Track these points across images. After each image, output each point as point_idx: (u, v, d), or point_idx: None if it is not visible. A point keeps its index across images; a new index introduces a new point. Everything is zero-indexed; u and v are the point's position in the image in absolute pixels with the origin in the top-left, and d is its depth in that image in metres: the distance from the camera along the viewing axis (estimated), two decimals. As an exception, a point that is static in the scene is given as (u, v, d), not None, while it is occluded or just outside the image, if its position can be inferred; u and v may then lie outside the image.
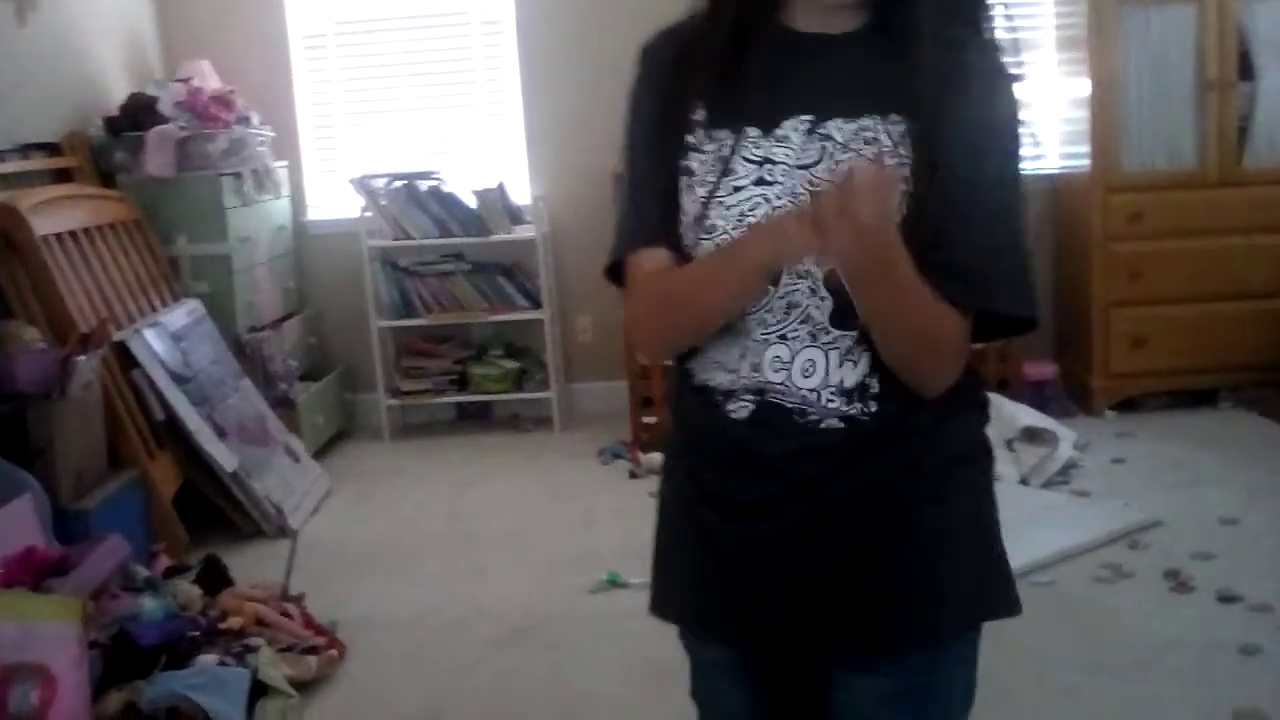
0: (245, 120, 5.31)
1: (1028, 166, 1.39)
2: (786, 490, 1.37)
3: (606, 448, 5.22)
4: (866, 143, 1.32)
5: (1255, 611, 3.37)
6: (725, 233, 1.35)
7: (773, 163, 1.35)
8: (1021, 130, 1.38)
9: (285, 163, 5.65)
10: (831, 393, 1.35)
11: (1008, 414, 4.63)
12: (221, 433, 4.43)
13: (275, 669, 3.14)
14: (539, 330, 5.64)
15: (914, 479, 1.38)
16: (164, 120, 4.97)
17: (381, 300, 5.58)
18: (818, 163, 1.34)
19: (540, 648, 3.47)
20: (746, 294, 1.35)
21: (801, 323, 1.35)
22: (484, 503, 4.76)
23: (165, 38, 5.68)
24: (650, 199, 1.43)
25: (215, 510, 4.41)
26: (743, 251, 1.32)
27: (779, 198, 1.34)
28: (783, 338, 1.36)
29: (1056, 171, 5.54)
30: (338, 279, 5.76)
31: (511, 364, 5.70)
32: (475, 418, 5.89)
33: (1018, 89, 1.38)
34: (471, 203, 5.56)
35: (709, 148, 1.38)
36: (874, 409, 1.35)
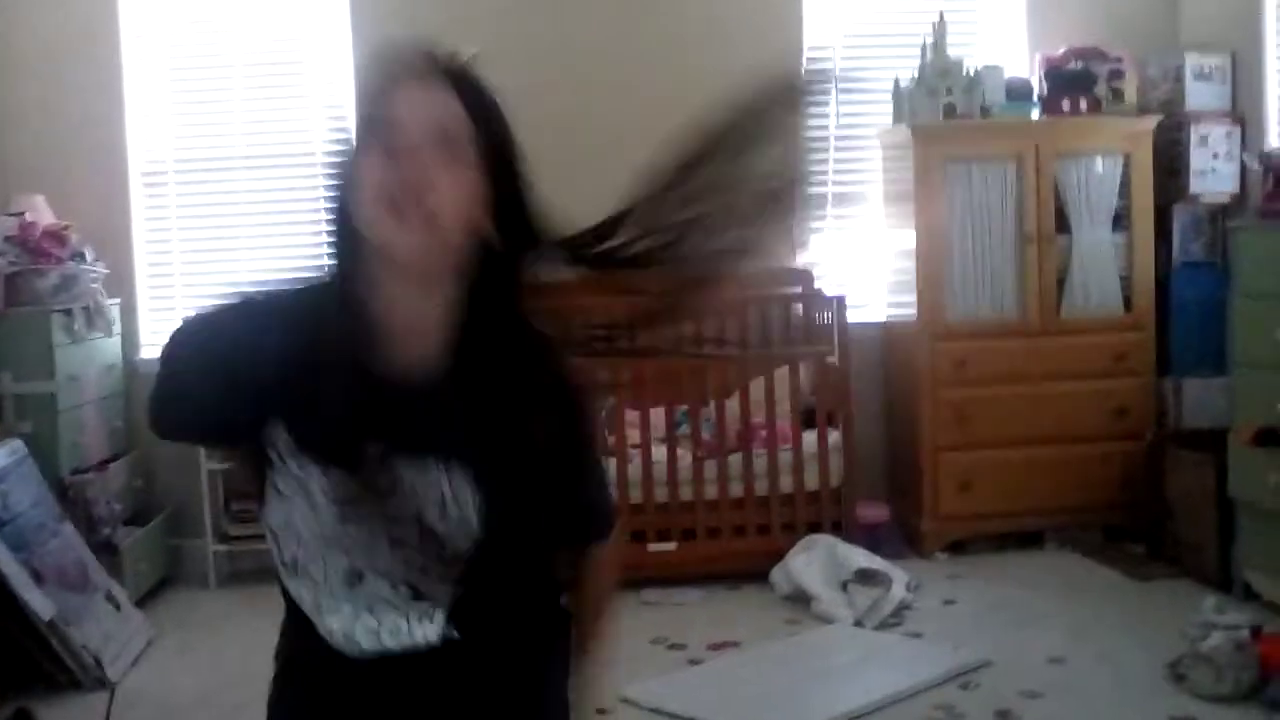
0: (79, 256, 5.21)
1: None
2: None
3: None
4: (432, 486, 1.46)
5: (1081, 750, 3.45)
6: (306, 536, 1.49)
7: (353, 502, 1.46)
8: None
9: (118, 300, 5.53)
10: (427, 624, 1.53)
11: (842, 555, 4.69)
12: (39, 578, 4.24)
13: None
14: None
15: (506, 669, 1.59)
16: (-9, 255, 4.86)
17: (214, 441, 5.44)
18: (392, 495, 1.45)
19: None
20: None
21: (388, 604, 1.52)
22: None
23: (-2, 171, 5.57)
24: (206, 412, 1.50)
25: (29, 660, 4.20)
26: None
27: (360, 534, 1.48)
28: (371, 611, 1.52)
29: (885, 320, 5.73)
30: (169, 419, 5.61)
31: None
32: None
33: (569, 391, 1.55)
34: (310, 343, 5.50)
35: (295, 471, 1.47)
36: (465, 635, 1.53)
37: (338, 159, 1.53)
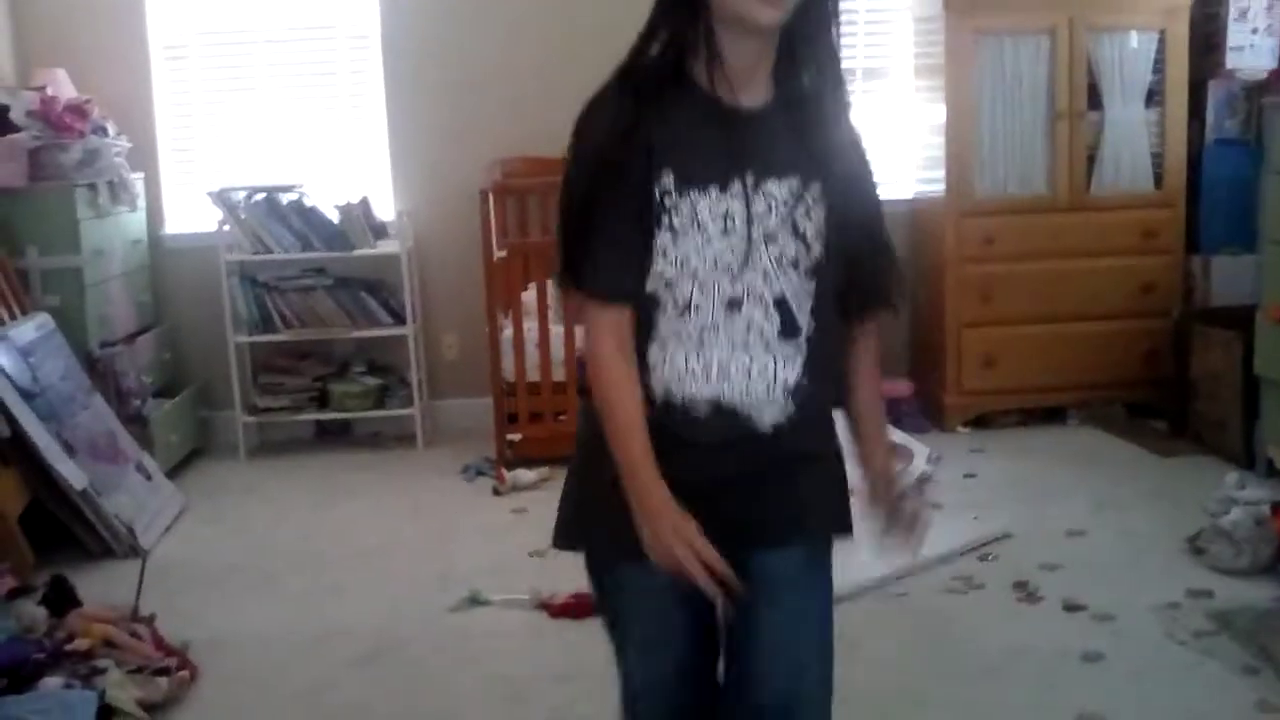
0: (101, 130, 5.19)
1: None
2: (735, 459, 1.81)
3: (470, 465, 5.19)
4: (796, 199, 1.76)
5: (1098, 620, 3.49)
6: (698, 270, 1.75)
7: (731, 216, 1.74)
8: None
9: (142, 174, 5.53)
10: (770, 394, 1.78)
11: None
12: (71, 450, 4.31)
13: (124, 691, 3.06)
14: (402, 347, 5.59)
15: (816, 444, 1.87)
16: (15, 129, 4.84)
17: (240, 315, 5.48)
18: (767, 212, 1.74)
19: (399, 667, 3.43)
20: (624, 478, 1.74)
21: (758, 337, 1.77)
22: (343, 522, 4.70)
23: (19, 45, 5.52)
24: (625, 255, 1.75)
25: (63, 529, 4.28)
26: (638, 492, 1.72)
27: (736, 245, 1.75)
28: (746, 348, 1.77)
29: (913, 196, 5.69)
30: (195, 294, 5.65)
31: (373, 381, 5.64)
32: (336, 435, 5.82)
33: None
34: (334, 217, 5.51)
35: (683, 206, 1.73)
36: (794, 412, 1.80)
37: None
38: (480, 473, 5.11)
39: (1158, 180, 5.38)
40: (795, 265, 1.77)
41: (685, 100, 1.74)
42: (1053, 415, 5.44)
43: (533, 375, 5.08)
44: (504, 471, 4.96)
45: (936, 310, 5.43)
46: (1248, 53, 5.27)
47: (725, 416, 1.78)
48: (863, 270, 1.84)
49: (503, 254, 5.13)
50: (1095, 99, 5.33)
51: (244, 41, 5.71)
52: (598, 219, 1.74)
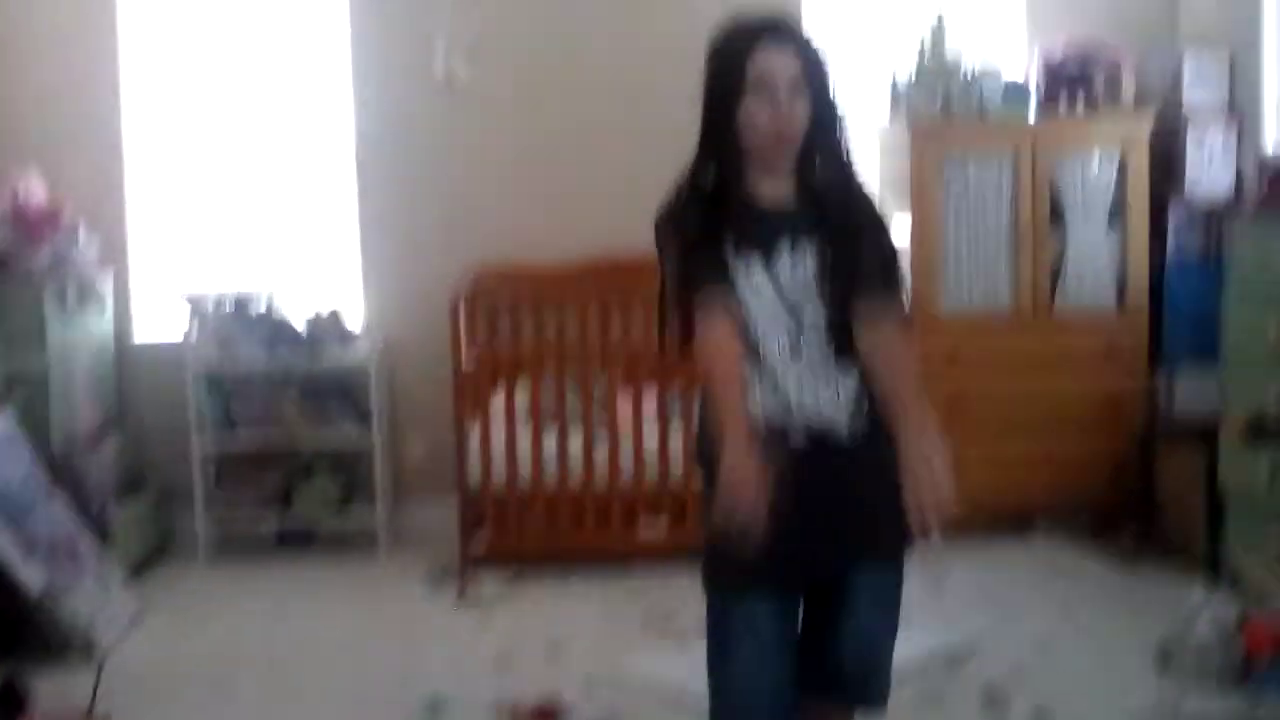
0: (72, 232, 5.20)
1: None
2: (821, 477, 2.33)
3: (434, 570, 5.13)
4: (828, 246, 2.34)
5: (1068, 731, 3.47)
6: (760, 318, 2.34)
7: (779, 271, 2.34)
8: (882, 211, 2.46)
9: (111, 277, 5.53)
10: (840, 403, 2.34)
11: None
12: (30, 551, 4.24)
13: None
14: (367, 452, 5.55)
15: (882, 459, 2.31)
16: (-15, 229, 4.86)
17: (204, 418, 5.44)
18: (803, 268, 2.34)
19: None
20: (723, 426, 2.26)
21: (822, 362, 2.35)
22: (303, 628, 4.63)
23: (-8, 143, 5.56)
24: (722, 280, 2.32)
25: (20, 631, 4.20)
26: (730, 431, 2.23)
27: (788, 297, 2.35)
28: (814, 373, 2.35)
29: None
30: (160, 396, 5.61)
31: (337, 486, 5.59)
32: (298, 540, 5.74)
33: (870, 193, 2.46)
34: (303, 324, 5.51)
35: (740, 268, 2.33)
36: (860, 423, 2.36)
37: (716, 98, 2.36)
38: (444, 579, 5.05)
39: (1121, 298, 5.46)
40: (836, 299, 2.32)
41: (733, 203, 2.36)
42: (1020, 528, 5.44)
43: (499, 482, 5.06)
44: (468, 578, 4.91)
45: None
46: (1206, 176, 5.40)
47: (812, 435, 2.32)
48: (876, 281, 2.37)
49: (471, 363, 5.13)
50: (1058, 218, 5.43)
51: (219, 147, 5.76)
52: (696, 269, 2.31)
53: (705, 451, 2.37)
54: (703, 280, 2.31)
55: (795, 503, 2.22)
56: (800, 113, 2.32)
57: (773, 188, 2.38)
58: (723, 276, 2.31)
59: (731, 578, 2.35)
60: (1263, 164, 4.86)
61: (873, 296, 2.35)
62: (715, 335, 2.28)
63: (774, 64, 2.30)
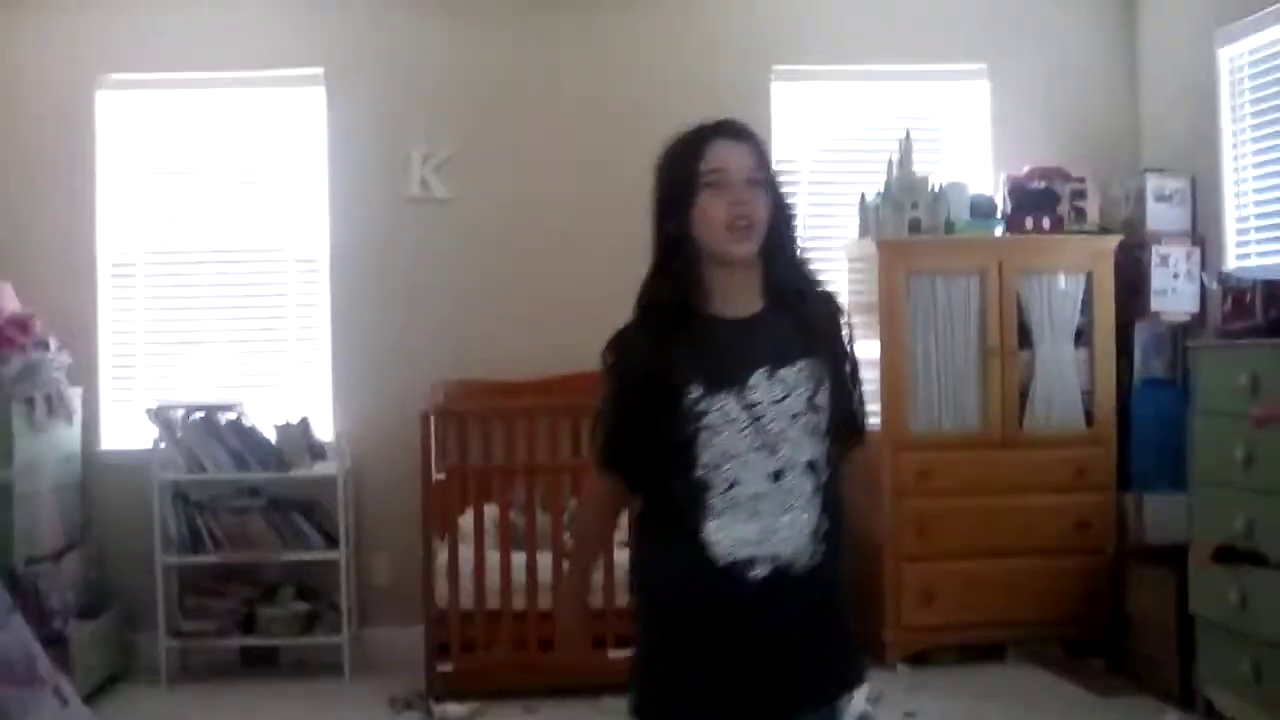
0: (42, 345, 5.18)
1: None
2: (782, 606, 2.21)
3: (399, 697, 5.02)
4: (805, 377, 2.20)
5: None
6: (739, 454, 2.19)
7: (756, 405, 2.18)
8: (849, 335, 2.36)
9: (80, 389, 5.50)
10: (809, 533, 2.20)
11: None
12: (-15, 672, 4.14)
13: None
14: (333, 571, 5.48)
15: (834, 593, 2.29)
16: (-46, 341, 4.83)
17: (169, 535, 5.36)
18: (784, 398, 2.19)
19: None
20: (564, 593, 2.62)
21: (799, 497, 2.20)
22: (266, 751, 4.53)
23: (-37, 258, 5.54)
24: (632, 442, 2.24)
25: (-30, 757, 4.09)
26: (567, 605, 2.57)
27: (767, 426, 2.19)
28: (786, 508, 2.19)
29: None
30: (126, 511, 5.54)
31: (302, 606, 5.51)
32: (261, 662, 5.64)
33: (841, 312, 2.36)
34: (272, 437, 5.48)
35: (714, 406, 2.16)
36: (822, 551, 2.22)
37: (669, 204, 2.26)
38: (408, 705, 4.95)
39: (1089, 418, 5.48)
40: (814, 431, 2.20)
41: (696, 322, 2.21)
42: (992, 652, 5.40)
43: (467, 604, 4.99)
44: (433, 705, 4.82)
45: (875, 544, 5.43)
46: (1170, 296, 5.47)
47: (776, 568, 2.18)
48: (845, 414, 2.29)
49: (441, 476, 5.10)
50: (1026, 337, 5.47)
51: (192, 261, 5.78)
52: (622, 414, 2.23)
53: (635, 583, 2.39)
54: (607, 442, 2.28)
55: (745, 640, 2.19)
56: (761, 204, 2.21)
57: (740, 295, 2.25)
58: (637, 443, 2.23)
59: (664, 710, 2.28)
60: (1225, 284, 4.92)
61: (856, 427, 2.33)
62: (589, 507, 2.45)
63: (729, 157, 2.22)
